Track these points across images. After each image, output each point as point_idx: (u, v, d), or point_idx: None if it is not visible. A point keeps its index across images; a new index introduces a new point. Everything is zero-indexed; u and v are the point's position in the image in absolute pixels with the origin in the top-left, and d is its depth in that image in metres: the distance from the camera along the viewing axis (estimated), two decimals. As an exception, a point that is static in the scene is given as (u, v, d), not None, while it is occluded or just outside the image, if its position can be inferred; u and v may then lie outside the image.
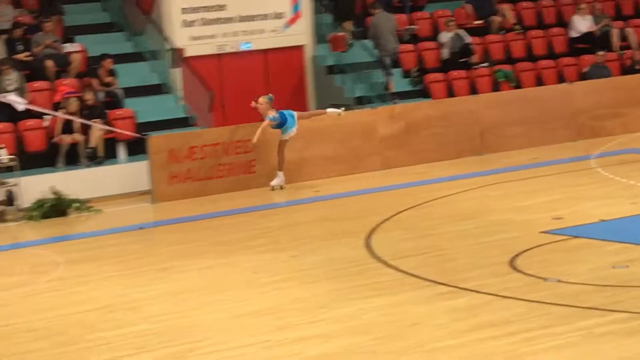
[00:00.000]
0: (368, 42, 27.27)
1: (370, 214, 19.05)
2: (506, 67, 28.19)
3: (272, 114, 21.96)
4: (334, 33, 27.31)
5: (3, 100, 22.71)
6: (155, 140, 22.38)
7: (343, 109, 23.25)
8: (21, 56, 24.29)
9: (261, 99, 22.36)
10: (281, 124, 22.08)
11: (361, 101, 26.12)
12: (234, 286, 14.80)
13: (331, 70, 27.22)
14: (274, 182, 22.33)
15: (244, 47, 26.49)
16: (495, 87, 27.48)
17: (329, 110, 23.20)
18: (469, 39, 27.99)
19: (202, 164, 22.41)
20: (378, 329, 12.19)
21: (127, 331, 12.90)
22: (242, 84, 26.34)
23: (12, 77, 23.31)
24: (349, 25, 27.87)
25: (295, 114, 22.56)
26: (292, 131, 22.23)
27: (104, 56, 24.67)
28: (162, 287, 15.04)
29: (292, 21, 27.03)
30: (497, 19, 29.26)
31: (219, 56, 26.38)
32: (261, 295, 14.13)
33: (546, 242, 16.03)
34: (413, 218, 18.92)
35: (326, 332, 12.22)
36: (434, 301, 13.28)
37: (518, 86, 27.73)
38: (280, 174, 22.34)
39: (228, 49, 26.36)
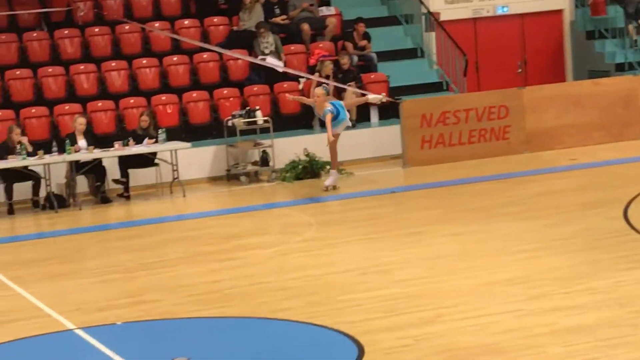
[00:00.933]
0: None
1: (629, 183, 18.42)
2: None
3: (329, 106, 19.85)
4: (594, -2, 26.67)
5: (262, 63, 22.98)
6: (408, 104, 22.32)
7: (384, 94, 21.37)
8: (278, 19, 24.55)
9: (318, 90, 20.45)
10: (336, 116, 19.87)
11: (622, 67, 25.36)
12: (485, 253, 14.51)
13: (590, 35, 26.50)
14: (327, 182, 20.37)
15: (500, 11, 26.30)
16: None
17: (371, 96, 21.12)
18: None
19: (455, 129, 22.21)
20: (637, 302, 11.74)
21: (377, 294, 12.81)
22: (497, 49, 26.20)
23: (269, 40, 23.58)
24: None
25: (342, 103, 20.66)
26: (345, 122, 20.27)
27: (358, 20, 24.72)
28: (413, 252, 14.89)
29: (551, -16, 26.63)
30: None
31: (474, 20, 26.24)
32: (513, 263, 13.81)
33: None
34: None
35: (582, 304, 11.82)
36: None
37: None
38: (334, 172, 20.39)
39: (484, 13, 26.20)
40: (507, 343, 10.73)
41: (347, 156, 21.96)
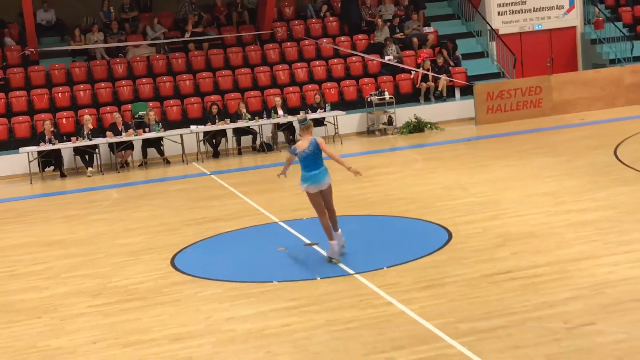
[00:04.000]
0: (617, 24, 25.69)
1: (617, 134, 17.97)
2: None
3: (306, 143, 10.21)
4: (596, 18, 25.78)
5: (388, 62, 23.01)
6: (479, 86, 22.06)
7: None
8: (397, 35, 24.38)
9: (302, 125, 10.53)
10: (309, 159, 10.23)
11: (614, 62, 24.68)
12: (526, 177, 14.38)
13: (594, 42, 25.71)
14: (328, 253, 10.24)
15: (537, 27, 25.68)
16: None
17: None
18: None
19: (508, 101, 21.90)
20: (622, 206, 11.55)
21: (460, 202, 12.85)
22: (534, 51, 25.70)
23: (392, 48, 23.51)
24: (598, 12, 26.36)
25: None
26: (325, 183, 10.27)
27: (448, 36, 24.51)
28: (481, 176, 14.82)
29: (569, 11, 25.84)
30: None
31: (520, 34, 25.64)
32: (544, 184, 13.67)
33: None
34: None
35: (587, 208, 11.70)
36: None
37: None
38: (332, 242, 10.18)
39: (526, 29, 25.62)
40: (540, 231, 10.71)
41: (440, 118, 21.98)
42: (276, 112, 20.55)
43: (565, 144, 17.70)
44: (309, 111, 20.33)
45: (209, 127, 20.04)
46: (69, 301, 9.59)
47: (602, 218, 11.08)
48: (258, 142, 20.65)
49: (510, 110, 21.96)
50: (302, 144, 10.13)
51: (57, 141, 19.15)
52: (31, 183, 18.84)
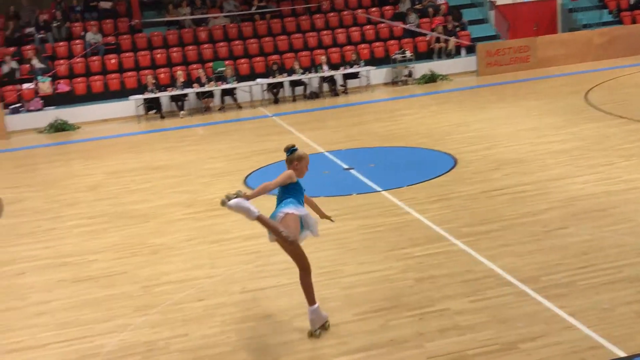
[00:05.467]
0: (592, -5, 24.68)
1: (588, 83, 17.51)
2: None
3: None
4: (574, -9, 24.92)
5: (409, 27, 22.46)
6: (480, 46, 21.51)
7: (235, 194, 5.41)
8: (417, 6, 23.71)
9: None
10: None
11: (586, 27, 23.78)
12: (517, 116, 14.12)
13: (571, 10, 24.76)
14: (311, 326, 5.45)
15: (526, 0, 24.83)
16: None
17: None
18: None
19: (503, 57, 21.34)
20: (590, 139, 11.28)
21: (464, 136, 12.70)
22: (524, 18, 24.87)
23: (413, 17, 22.92)
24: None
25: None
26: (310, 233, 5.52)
27: (456, 6, 23.82)
28: (481, 116, 14.58)
29: (552, -15, 25.01)
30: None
31: (513, 4, 24.84)
32: (530, 120, 13.44)
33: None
34: (617, 84, 17.20)
35: (564, 139, 11.48)
36: None
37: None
38: (312, 308, 5.43)
39: (517, 0, 24.77)
40: (526, 158, 10.56)
41: (450, 71, 21.44)
42: (322, 68, 20.36)
43: (547, 90, 17.27)
44: (347, 67, 20.03)
45: (271, 80, 19.97)
46: (169, 210, 9.77)
47: (574, 147, 10.88)
48: (308, 91, 20.51)
49: (504, 65, 21.39)
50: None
51: (157, 91, 19.29)
52: (139, 123, 19.03)
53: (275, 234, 5.22)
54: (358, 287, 6.37)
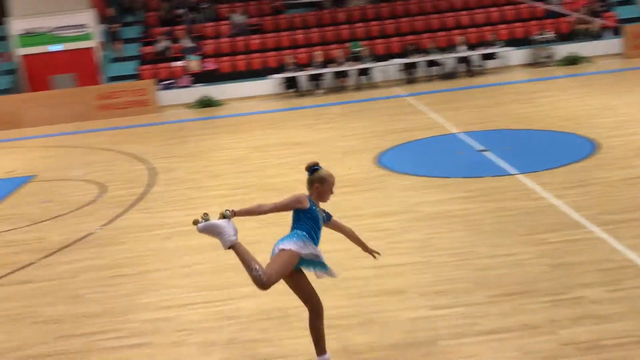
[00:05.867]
0: None
1: None
2: None
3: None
4: None
5: (553, 8, 21.36)
6: (628, 27, 20.33)
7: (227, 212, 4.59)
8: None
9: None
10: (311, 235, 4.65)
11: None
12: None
13: None
14: None
15: None
16: None
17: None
18: None
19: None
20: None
21: (607, 120, 12.00)
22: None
23: (555, -4, 21.86)
24: None
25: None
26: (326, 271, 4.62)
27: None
28: (626, 100, 13.54)
29: None
30: None
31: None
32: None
33: None
34: None
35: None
36: None
37: None
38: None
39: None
40: None
41: (592, 53, 20.35)
42: (459, 48, 19.92)
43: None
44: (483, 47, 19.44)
45: (406, 60, 19.81)
46: (304, 185, 10.01)
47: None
48: (444, 72, 20.14)
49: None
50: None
51: (297, 70, 19.78)
52: (278, 101, 19.60)
53: (247, 270, 4.26)
54: (491, 269, 6.29)
